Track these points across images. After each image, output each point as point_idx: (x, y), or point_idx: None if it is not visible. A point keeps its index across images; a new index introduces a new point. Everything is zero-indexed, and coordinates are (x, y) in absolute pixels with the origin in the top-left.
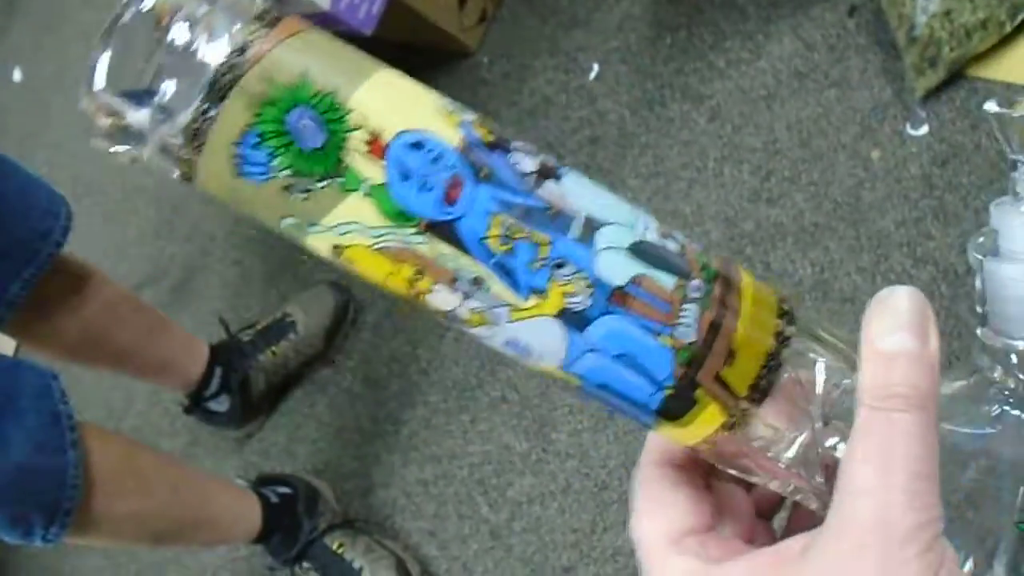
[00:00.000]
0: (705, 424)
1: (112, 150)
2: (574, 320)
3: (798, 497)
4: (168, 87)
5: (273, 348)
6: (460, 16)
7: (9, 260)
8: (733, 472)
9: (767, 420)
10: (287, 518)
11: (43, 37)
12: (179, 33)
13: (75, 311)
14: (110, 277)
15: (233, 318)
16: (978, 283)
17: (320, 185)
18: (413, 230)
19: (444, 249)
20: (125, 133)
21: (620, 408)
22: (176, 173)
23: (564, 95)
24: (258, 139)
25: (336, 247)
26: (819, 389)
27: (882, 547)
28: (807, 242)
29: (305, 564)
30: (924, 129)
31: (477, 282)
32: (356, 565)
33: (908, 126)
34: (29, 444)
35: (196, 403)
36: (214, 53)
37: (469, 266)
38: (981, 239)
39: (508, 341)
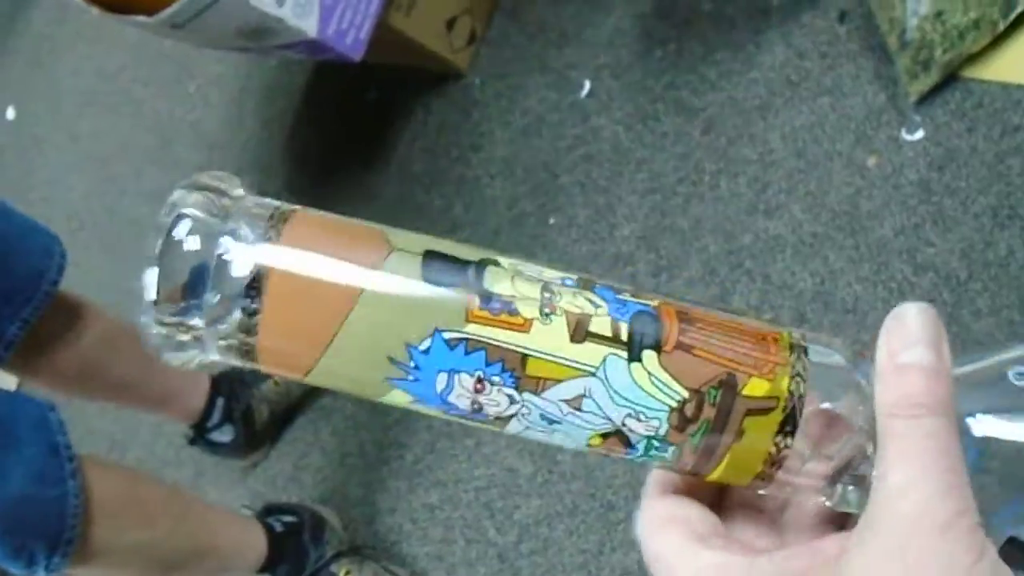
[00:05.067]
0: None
1: (181, 363)
2: None
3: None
4: (211, 295)
5: (275, 378)
6: (449, 38)
7: (8, 302)
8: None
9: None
10: (293, 547)
11: (35, 74)
12: (207, 243)
13: (72, 345)
14: (107, 310)
15: None
16: None
17: None
18: None
19: None
20: (185, 341)
21: None
22: (237, 361)
23: (557, 113)
24: None
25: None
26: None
27: (925, 536)
28: (806, 253)
29: None
30: (920, 134)
31: None
32: None
33: (903, 131)
34: (28, 475)
35: (199, 434)
36: (242, 257)
37: None
38: None
39: None
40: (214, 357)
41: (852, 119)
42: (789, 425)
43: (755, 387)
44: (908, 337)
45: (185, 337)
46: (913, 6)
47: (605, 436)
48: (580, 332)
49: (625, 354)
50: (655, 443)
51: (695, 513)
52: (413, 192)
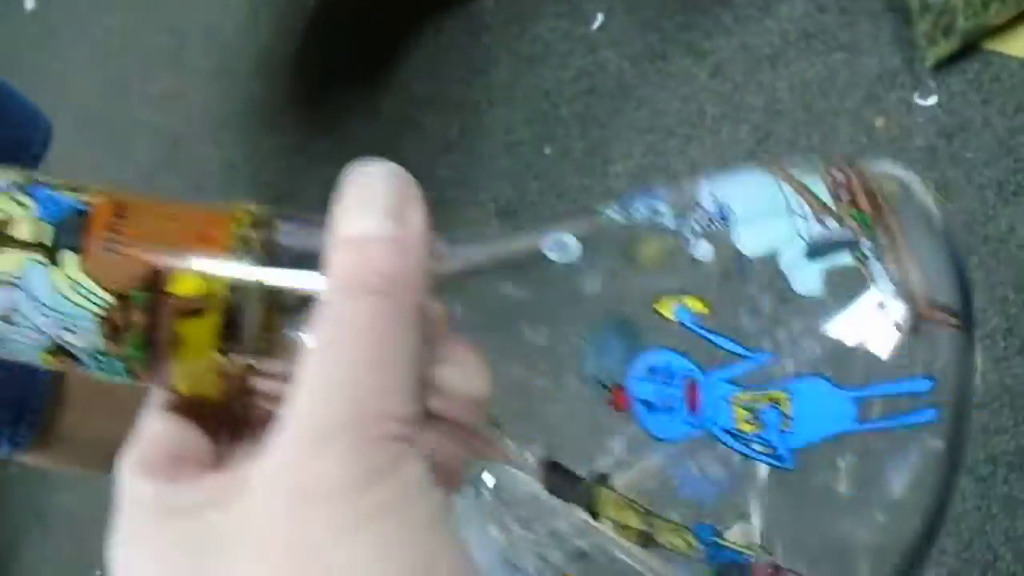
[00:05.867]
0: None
1: None
2: None
3: None
4: None
5: None
6: None
7: None
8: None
9: None
10: None
11: None
12: None
13: None
14: None
15: None
16: None
17: None
18: None
19: None
20: None
21: None
22: None
23: (565, 43)
24: None
25: None
26: None
27: (297, 446)
28: None
29: None
30: (932, 100)
31: None
32: None
33: (916, 95)
34: None
35: None
36: None
37: None
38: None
39: None
40: None
41: (865, 77)
42: (237, 326)
43: (184, 284)
44: (361, 205)
45: None
46: None
47: (53, 353)
48: None
49: (46, 259)
50: (99, 357)
51: (169, 433)
52: (412, 111)
